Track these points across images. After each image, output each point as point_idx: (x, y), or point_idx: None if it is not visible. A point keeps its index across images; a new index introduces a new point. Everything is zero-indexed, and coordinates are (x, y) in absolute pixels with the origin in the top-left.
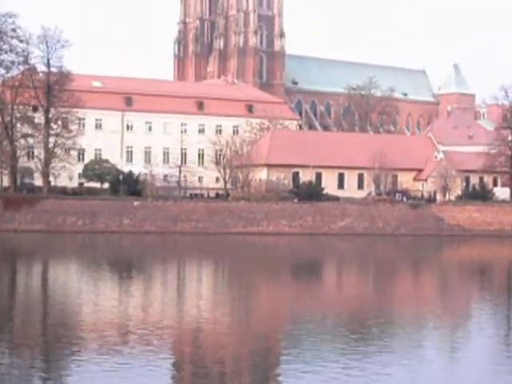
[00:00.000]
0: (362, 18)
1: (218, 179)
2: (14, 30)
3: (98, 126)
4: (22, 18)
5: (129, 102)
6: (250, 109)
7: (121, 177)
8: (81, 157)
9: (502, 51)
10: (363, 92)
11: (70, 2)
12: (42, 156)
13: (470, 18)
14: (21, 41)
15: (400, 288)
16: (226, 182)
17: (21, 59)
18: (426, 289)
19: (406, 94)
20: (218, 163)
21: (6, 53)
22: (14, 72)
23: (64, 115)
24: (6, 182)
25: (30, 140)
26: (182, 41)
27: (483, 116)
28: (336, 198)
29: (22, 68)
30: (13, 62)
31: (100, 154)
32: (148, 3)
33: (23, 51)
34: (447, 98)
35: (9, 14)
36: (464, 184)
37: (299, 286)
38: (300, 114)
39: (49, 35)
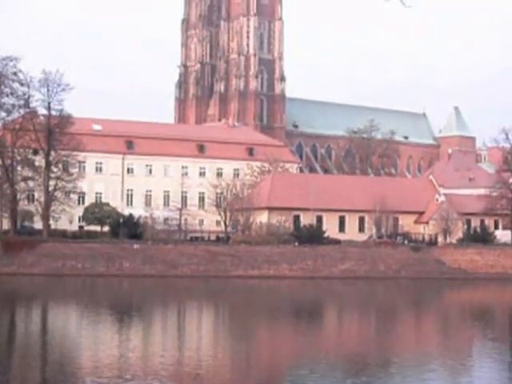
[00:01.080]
0: (362, 61)
1: (218, 222)
2: (15, 74)
3: (99, 170)
4: (23, 62)
5: (129, 145)
6: (250, 152)
7: (121, 220)
8: (81, 200)
9: (502, 94)
10: (364, 135)
11: (71, 45)
12: (43, 199)
13: (471, 61)
14: (22, 84)
15: (401, 332)
16: (226, 225)
17: (21, 102)
18: (427, 333)
19: (406, 137)
20: (218, 206)
21: (7, 96)
22: (15, 115)
23: (64, 158)
24: (5, 225)
25: (31, 183)
26: (182, 84)
27: (484, 159)
28: (337, 241)
29: (22, 111)
30: (14, 106)
31: (100, 197)
32: (149, 47)
33: (24, 94)
34: (448, 140)
35: (10, 58)
36: (465, 227)
37: (300, 330)
38: (301, 157)
39: (50, 79)
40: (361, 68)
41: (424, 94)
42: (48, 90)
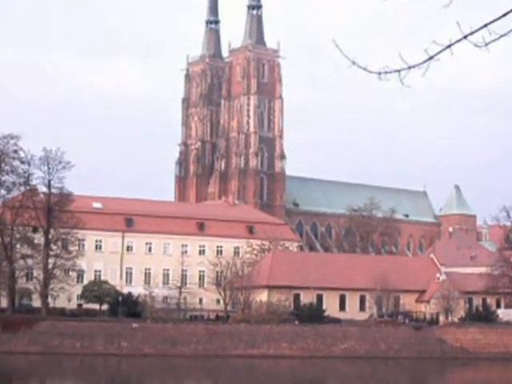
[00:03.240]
0: (362, 139)
1: (218, 301)
2: (15, 152)
3: (98, 247)
4: (23, 140)
5: (129, 222)
6: (250, 230)
7: (120, 298)
8: (80, 278)
9: (502, 173)
10: (364, 213)
11: (72, 124)
12: (41, 277)
13: (471, 141)
14: (22, 162)
15: None
16: (226, 304)
17: (22, 180)
18: None
19: (407, 215)
20: (218, 284)
21: (8, 174)
22: (15, 193)
23: (64, 236)
24: (3, 303)
25: (29, 261)
26: (183, 162)
27: (485, 237)
28: (337, 320)
29: (22, 189)
30: (14, 183)
31: (99, 275)
32: (149, 125)
33: (24, 172)
34: (449, 218)
35: (11, 136)
36: (467, 305)
37: None
38: (301, 235)
39: (50, 157)
40: (361, 146)
41: (424, 172)
42: (48, 168)
